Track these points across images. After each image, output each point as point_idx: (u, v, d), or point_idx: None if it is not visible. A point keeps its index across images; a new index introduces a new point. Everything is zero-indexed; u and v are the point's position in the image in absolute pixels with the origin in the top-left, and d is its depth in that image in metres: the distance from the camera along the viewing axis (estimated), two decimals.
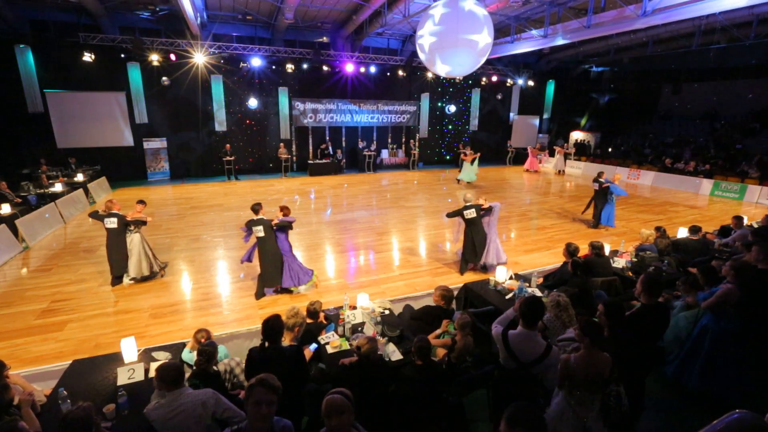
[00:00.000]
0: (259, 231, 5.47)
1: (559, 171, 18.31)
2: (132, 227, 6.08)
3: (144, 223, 6.16)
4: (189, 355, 3.59)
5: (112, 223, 5.87)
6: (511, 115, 21.68)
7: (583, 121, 23.17)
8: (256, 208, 5.59)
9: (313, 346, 3.74)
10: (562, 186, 15.59)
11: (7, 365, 2.91)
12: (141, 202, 6.46)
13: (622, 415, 2.57)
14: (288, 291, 5.81)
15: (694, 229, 6.36)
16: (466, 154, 14.79)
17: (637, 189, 14.85)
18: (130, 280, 6.16)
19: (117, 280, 6.13)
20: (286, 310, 3.60)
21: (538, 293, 4.76)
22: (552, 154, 19.08)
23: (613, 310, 3.03)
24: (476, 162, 14.62)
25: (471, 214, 6.20)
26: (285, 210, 5.62)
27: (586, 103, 22.97)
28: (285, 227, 5.63)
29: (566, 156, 18.53)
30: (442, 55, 5.10)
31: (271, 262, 5.58)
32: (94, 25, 13.13)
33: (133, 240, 6.06)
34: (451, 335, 3.83)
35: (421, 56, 5.43)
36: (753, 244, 4.38)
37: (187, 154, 15.65)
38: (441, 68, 5.33)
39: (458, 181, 15.04)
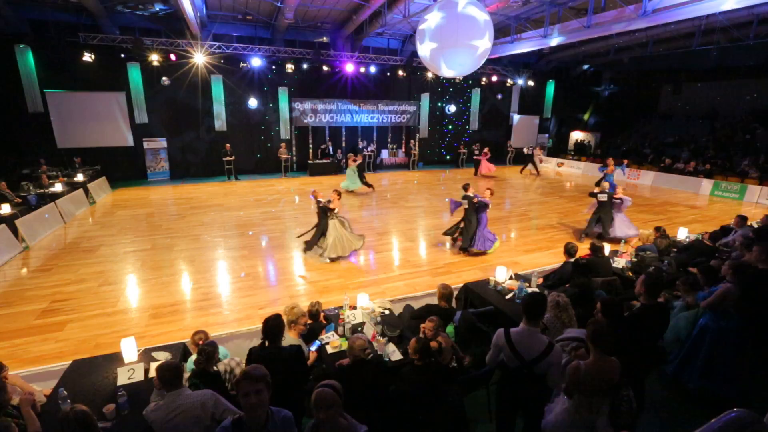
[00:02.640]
0: (466, 204, 7.35)
1: (534, 172, 17.97)
2: (330, 213, 7.04)
3: (332, 210, 7.10)
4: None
5: (314, 206, 7.16)
6: (512, 115, 21.68)
7: (586, 116, 23.14)
8: (466, 186, 7.51)
9: (316, 344, 3.73)
10: (561, 186, 15.58)
11: (5, 366, 2.91)
12: (337, 191, 7.39)
13: (633, 418, 2.57)
14: (476, 253, 7.37)
15: (715, 237, 6.20)
16: (355, 160, 13.19)
17: (637, 189, 14.85)
18: (328, 259, 6.96)
19: (308, 247, 7.26)
20: (284, 307, 3.61)
21: None
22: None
23: (611, 308, 3.03)
24: (353, 169, 13.30)
25: (603, 197, 8.15)
26: (487, 192, 7.60)
27: (587, 100, 22.96)
28: (484, 206, 7.35)
29: (531, 157, 17.91)
30: (440, 55, 5.10)
31: (468, 228, 7.38)
32: (94, 25, 13.13)
33: (331, 225, 6.99)
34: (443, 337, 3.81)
35: (421, 51, 5.42)
36: (754, 244, 4.38)
37: (187, 154, 15.65)
38: (445, 72, 5.34)
39: (349, 190, 13.00)
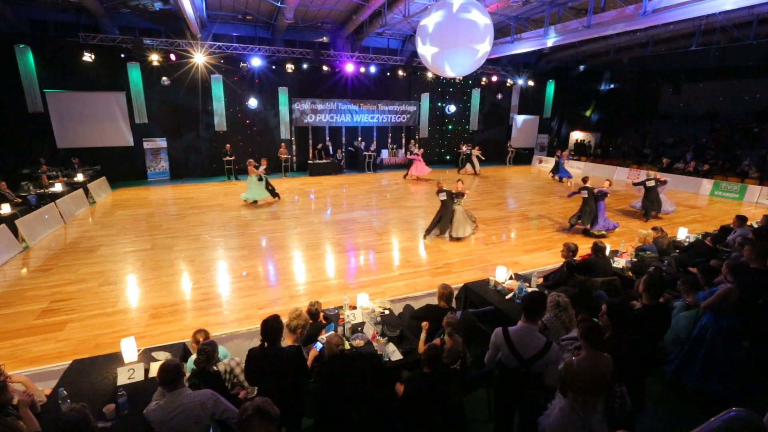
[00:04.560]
0: (585, 193, 8.76)
1: (475, 172, 17.43)
2: (455, 199, 8.18)
3: (463, 194, 8.28)
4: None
5: (442, 195, 8.15)
6: (512, 115, 21.68)
7: (588, 112, 23.14)
8: (585, 179, 9.13)
9: (319, 345, 3.73)
10: (561, 186, 15.57)
11: (2, 368, 2.91)
12: (460, 181, 8.67)
13: (626, 414, 2.58)
14: (597, 234, 8.54)
15: (717, 239, 6.18)
16: (258, 167, 11.16)
17: (637, 189, 14.80)
18: (451, 239, 8.20)
19: (427, 233, 8.34)
20: (288, 311, 3.59)
21: None
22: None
23: (617, 310, 3.03)
24: (255, 178, 11.28)
25: (651, 183, 10.13)
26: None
27: (587, 99, 22.96)
28: (603, 194, 8.67)
29: (469, 157, 17.19)
30: (442, 59, 5.11)
31: (588, 213, 8.71)
32: (94, 25, 13.14)
33: (456, 210, 8.15)
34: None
35: (421, 51, 5.41)
36: (746, 244, 4.39)
37: (187, 154, 15.66)
38: (447, 72, 5.35)
39: (250, 202, 11.31)
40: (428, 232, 8.34)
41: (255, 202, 11.34)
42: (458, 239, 8.21)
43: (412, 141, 18.80)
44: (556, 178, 16.29)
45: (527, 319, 2.82)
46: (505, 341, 2.80)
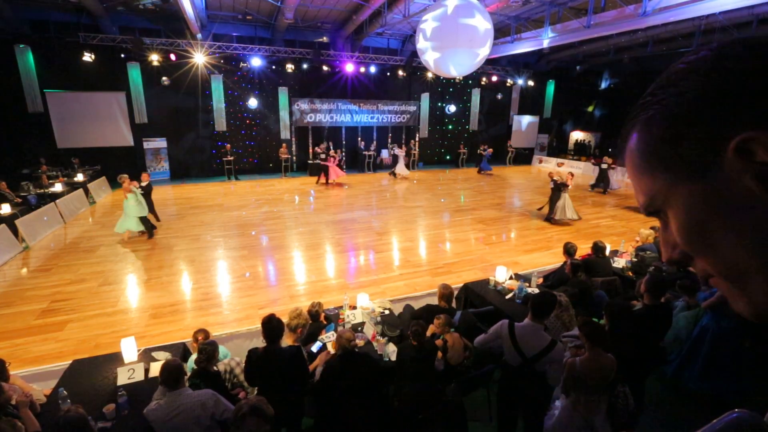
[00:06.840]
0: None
1: (394, 173, 16.24)
2: (563, 189, 9.40)
3: (567, 185, 9.47)
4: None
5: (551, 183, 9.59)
6: (512, 115, 21.68)
7: (591, 108, 23.14)
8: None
9: (318, 345, 3.73)
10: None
11: (5, 362, 2.92)
12: (570, 173, 9.73)
13: (629, 415, 2.59)
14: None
15: None
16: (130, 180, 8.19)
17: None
18: (553, 221, 9.55)
19: (549, 220, 9.67)
20: (289, 311, 3.59)
21: None
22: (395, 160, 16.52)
23: (614, 310, 3.03)
24: (138, 195, 8.04)
25: (604, 166, 11.73)
26: None
27: (587, 99, 22.96)
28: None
29: (407, 156, 16.07)
30: (443, 61, 5.13)
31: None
32: (94, 25, 13.13)
33: (562, 197, 9.41)
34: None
35: (420, 47, 5.42)
36: None
37: (187, 154, 15.66)
38: (451, 72, 5.38)
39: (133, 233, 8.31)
40: (550, 216, 9.68)
41: (143, 233, 8.30)
42: (557, 221, 9.53)
43: (325, 144, 16.21)
44: (483, 173, 17.52)
45: (534, 317, 2.84)
46: (509, 337, 2.81)
